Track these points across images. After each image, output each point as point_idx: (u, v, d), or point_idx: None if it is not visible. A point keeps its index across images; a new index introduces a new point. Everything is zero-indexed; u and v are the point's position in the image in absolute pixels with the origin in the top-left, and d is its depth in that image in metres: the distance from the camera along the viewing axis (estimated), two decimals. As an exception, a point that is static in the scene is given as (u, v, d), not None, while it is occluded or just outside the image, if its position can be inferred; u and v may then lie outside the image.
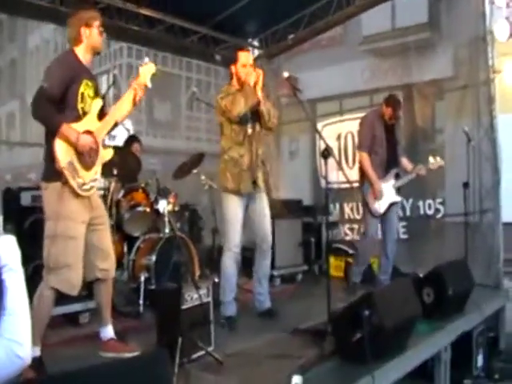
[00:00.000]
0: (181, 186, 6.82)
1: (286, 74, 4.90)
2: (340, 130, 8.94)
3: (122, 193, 6.10)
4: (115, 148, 5.98)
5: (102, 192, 6.07)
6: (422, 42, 8.19)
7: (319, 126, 9.19)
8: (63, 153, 3.72)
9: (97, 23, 4.05)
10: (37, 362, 3.71)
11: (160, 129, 9.30)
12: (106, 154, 4.15)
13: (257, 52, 9.46)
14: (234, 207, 5.14)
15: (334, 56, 9.23)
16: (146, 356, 2.84)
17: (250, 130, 5.13)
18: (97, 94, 4.10)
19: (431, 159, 6.48)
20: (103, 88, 4.55)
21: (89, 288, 4.86)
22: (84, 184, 3.86)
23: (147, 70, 4.15)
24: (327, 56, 9.27)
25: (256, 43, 9.39)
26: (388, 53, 8.60)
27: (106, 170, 5.69)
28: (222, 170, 5.17)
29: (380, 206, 6.30)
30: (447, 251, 6.85)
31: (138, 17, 7.58)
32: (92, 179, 3.96)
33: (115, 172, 5.75)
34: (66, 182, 3.74)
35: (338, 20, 8.36)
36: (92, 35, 4.02)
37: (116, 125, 4.23)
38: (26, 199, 4.90)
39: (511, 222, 7.54)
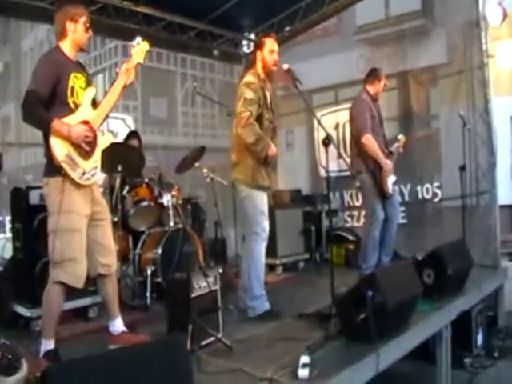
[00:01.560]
0: (181, 180, 6.90)
1: (285, 66, 4.84)
2: (337, 120, 9.00)
3: (126, 189, 6.19)
4: (118, 144, 6.10)
5: (107, 189, 6.19)
6: (415, 29, 8.18)
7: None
8: (59, 148, 3.78)
9: (83, 19, 4.05)
10: (52, 355, 3.85)
11: (157, 125, 9.35)
12: (105, 141, 4.17)
13: (253, 45, 9.57)
14: (264, 201, 5.05)
15: (329, 46, 9.23)
16: (167, 340, 2.95)
17: (271, 125, 5.12)
18: (89, 84, 4.13)
19: (400, 137, 6.62)
20: (100, 86, 4.60)
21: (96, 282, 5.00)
22: (84, 173, 3.92)
23: (140, 48, 4.13)
24: (322, 47, 9.27)
25: (252, 37, 9.49)
26: (382, 41, 8.62)
27: (111, 167, 5.79)
28: (251, 166, 4.97)
29: (389, 187, 6.27)
30: (446, 234, 6.95)
31: (136, 15, 7.67)
32: (92, 167, 4.01)
33: (119, 168, 5.82)
34: (66, 175, 3.81)
35: (333, 11, 8.51)
36: (77, 30, 4.02)
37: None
38: (34, 198, 4.96)
39: (507, 205, 7.68)
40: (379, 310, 3.84)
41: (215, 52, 9.21)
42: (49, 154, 3.83)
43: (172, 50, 9.01)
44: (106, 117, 4.21)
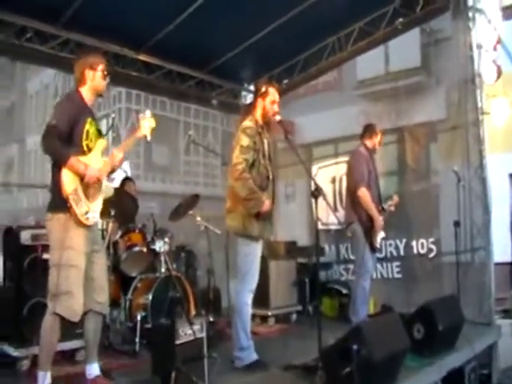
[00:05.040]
0: (177, 227, 6.88)
1: (277, 118, 4.94)
2: (335, 173, 9.05)
3: (119, 234, 6.24)
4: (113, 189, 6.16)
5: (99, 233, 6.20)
6: (414, 85, 8.33)
7: (314, 168, 9.34)
8: (69, 181, 3.92)
9: (101, 67, 4.30)
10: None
11: (158, 173, 9.40)
12: (108, 191, 4.41)
13: (254, 92, 9.65)
14: (257, 254, 4.97)
15: (330, 100, 9.33)
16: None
17: (271, 174, 5.05)
18: (100, 133, 4.33)
19: (395, 196, 6.72)
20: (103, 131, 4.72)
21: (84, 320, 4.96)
22: (87, 212, 4.02)
23: (148, 123, 4.40)
24: (323, 100, 9.37)
25: (252, 88, 9.58)
26: (382, 96, 8.73)
27: (104, 211, 5.81)
28: (243, 214, 4.86)
29: (377, 242, 6.38)
30: (441, 290, 6.89)
31: (136, 62, 7.79)
32: (94, 209, 4.13)
33: (113, 213, 5.86)
34: (70, 209, 3.91)
35: (330, 65, 8.63)
36: (95, 78, 4.27)
37: (113, 170, 4.48)
38: (25, 238, 5.01)
39: (505, 262, 7.63)
40: (365, 364, 3.78)
41: (214, 101, 9.30)
42: (56, 188, 3.95)
43: (171, 98, 9.10)
44: (112, 171, 4.45)
